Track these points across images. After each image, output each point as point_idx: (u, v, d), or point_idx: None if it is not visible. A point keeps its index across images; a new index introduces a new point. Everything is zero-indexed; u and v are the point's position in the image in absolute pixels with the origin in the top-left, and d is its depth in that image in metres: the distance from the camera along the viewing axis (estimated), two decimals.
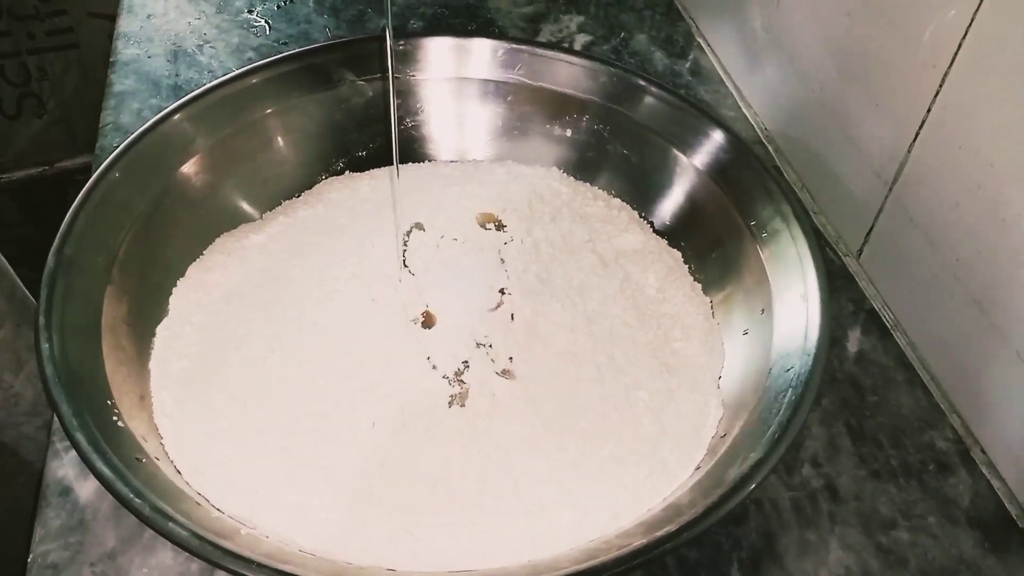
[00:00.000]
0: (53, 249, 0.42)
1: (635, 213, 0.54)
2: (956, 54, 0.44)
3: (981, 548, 0.42)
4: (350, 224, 0.51)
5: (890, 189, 0.51)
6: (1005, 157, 0.42)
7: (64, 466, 0.42)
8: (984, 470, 0.45)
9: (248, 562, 0.32)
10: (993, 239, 0.43)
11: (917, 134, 0.48)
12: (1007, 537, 0.43)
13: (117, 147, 0.47)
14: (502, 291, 0.47)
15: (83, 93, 1.18)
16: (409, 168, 0.56)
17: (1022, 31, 0.40)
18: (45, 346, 0.38)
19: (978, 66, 0.43)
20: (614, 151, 0.55)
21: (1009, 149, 0.42)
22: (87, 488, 0.41)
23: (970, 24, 0.43)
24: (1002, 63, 0.41)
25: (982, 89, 0.43)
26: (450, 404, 0.42)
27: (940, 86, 0.45)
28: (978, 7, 0.42)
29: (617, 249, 0.51)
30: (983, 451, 0.46)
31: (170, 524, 0.33)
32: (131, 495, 0.34)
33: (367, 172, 0.55)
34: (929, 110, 0.46)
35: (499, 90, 0.56)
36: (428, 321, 0.46)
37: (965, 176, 0.45)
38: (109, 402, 0.39)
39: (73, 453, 0.42)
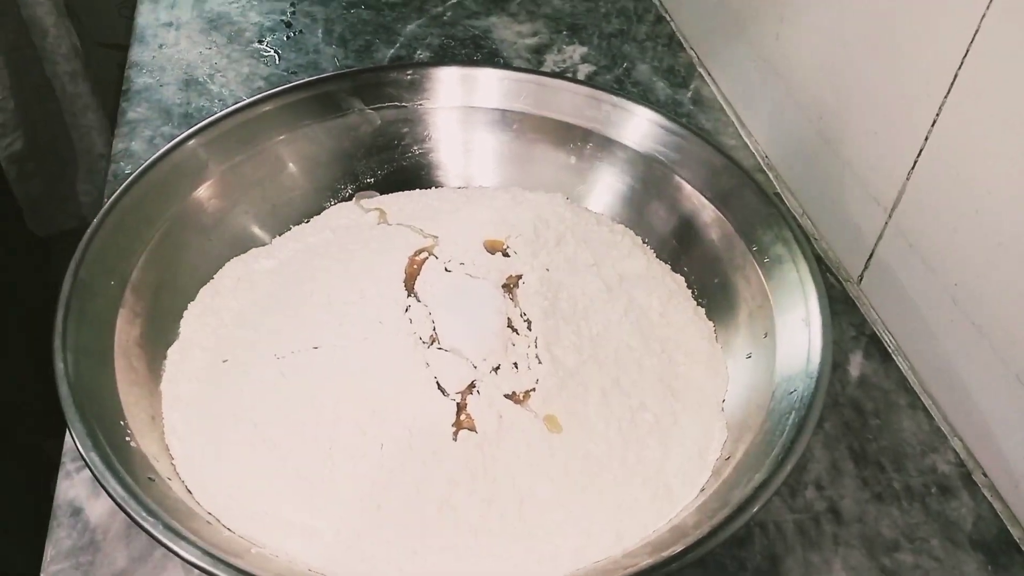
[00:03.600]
0: (68, 272, 0.42)
1: (638, 239, 0.54)
2: (952, 83, 0.45)
3: (984, 571, 0.42)
4: (358, 249, 0.52)
5: (890, 215, 0.51)
6: (1002, 183, 0.43)
7: (75, 486, 0.42)
8: (986, 493, 0.45)
9: None
10: (991, 263, 0.44)
11: (915, 161, 0.49)
12: (1010, 560, 0.43)
13: (130, 174, 0.48)
14: (508, 316, 0.48)
15: None
16: (417, 194, 0.57)
17: (1017, 61, 0.41)
18: (60, 366, 0.39)
19: (974, 95, 0.44)
20: (617, 178, 0.56)
21: (1005, 175, 0.43)
22: (97, 508, 0.41)
23: (966, 54, 0.44)
24: (998, 92, 0.42)
25: (978, 117, 0.44)
26: (457, 427, 0.43)
27: (937, 115, 0.46)
28: (973, 37, 0.43)
29: (621, 273, 0.51)
30: (985, 474, 0.46)
31: (181, 543, 0.34)
32: (144, 514, 0.34)
33: (375, 199, 0.56)
34: (927, 138, 0.47)
35: (505, 118, 0.57)
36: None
37: (963, 202, 0.45)
38: (121, 422, 0.39)
39: (84, 474, 0.42)
